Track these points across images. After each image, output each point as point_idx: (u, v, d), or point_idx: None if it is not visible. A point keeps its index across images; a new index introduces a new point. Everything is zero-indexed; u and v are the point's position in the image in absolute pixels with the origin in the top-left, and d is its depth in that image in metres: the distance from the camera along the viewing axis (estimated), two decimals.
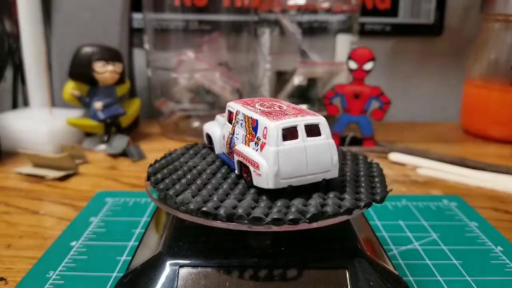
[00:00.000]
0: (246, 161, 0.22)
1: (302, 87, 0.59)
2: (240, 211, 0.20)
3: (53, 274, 0.26)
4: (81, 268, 0.27)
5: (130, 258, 0.27)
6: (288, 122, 0.21)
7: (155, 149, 0.53)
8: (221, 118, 0.27)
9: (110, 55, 0.50)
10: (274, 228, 0.19)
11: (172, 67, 0.57)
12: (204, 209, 0.20)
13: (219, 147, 0.27)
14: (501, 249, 0.30)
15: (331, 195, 0.22)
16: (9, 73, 0.59)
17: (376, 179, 0.24)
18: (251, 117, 0.22)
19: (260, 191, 0.22)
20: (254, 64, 0.60)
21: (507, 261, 0.29)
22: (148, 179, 0.24)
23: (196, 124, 0.59)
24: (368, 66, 0.50)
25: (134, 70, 0.64)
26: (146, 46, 0.58)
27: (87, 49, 0.50)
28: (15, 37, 0.58)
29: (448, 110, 0.74)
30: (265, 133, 0.21)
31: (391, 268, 0.24)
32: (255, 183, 0.22)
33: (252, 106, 0.23)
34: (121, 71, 0.51)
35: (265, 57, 0.59)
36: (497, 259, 0.29)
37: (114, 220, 0.34)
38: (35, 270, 0.27)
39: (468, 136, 0.62)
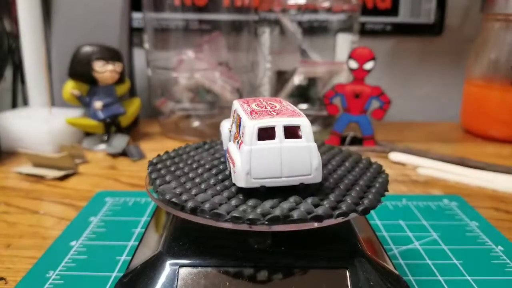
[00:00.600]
0: (229, 158, 0.22)
1: (302, 87, 0.59)
2: (206, 205, 0.20)
3: (52, 274, 0.26)
4: (81, 268, 0.27)
5: (130, 258, 0.27)
6: (266, 122, 0.21)
7: (155, 148, 0.53)
8: None
9: (110, 54, 0.50)
10: (234, 226, 0.20)
11: (172, 66, 0.57)
12: (173, 199, 0.21)
13: (225, 143, 0.27)
14: (502, 248, 0.30)
15: (309, 200, 0.21)
16: (8, 73, 0.59)
17: (375, 186, 0.23)
18: (239, 115, 0.23)
19: (239, 190, 0.22)
20: (254, 64, 0.60)
21: (508, 261, 0.28)
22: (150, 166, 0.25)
23: (196, 123, 0.59)
24: (368, 65, 0.50)
25: (134, 70, 0.63)
26: (146, 45, 0.58)
27: (87, 49, 0.50)
28: (15, 36, 0.58)
29: (448, 110, 0.74)
30: (243, 131, 0.21)
31: (391, 267, 0.24)
32: (233, 181, 0.22)
33: (247, 105, 0.24)
34: (121, 70, 0.51)
35: (265, 56, 0.59)
36: (497, 259, 0.29)
37: (114, 220, 0.34)
38: (34, 270, 0.27)
39: (469, 136, 0.62)
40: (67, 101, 0.52)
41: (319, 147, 0.30)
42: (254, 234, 0.22)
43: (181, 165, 0.26)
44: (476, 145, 0.57)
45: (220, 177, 0.24)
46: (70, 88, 0.51)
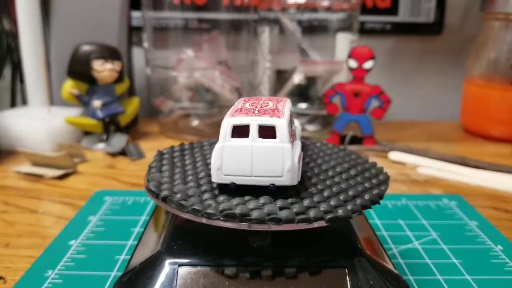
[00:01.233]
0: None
1: (302, 86, 0.59)
2: (177, 196, 0.21)
3: (51, 273, 0.26)
4: (80, 267, 0.27)
5: (129, 257, 0.27)
6: (241, 119, 0.21)
7: (154, 148, 0.52)
8: None
9: (109, 53, 0.50)
10: (208, 221, 0.20)
11: (172, 65, 0.56)
12: (152, 187, 0.22)
13: None
14: (501, 248, 0.30)
15: (279, 202, 0.20)
16: (7, 72, 0.59)
17: (366, 192, 0.22)
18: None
19: (218, 186, 0.22)
20: (253, 63, 0.60)
21: (507, 260, 0.28)
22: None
23: (195, 123, 0.59)
24: (368, 64, 0.50)
25: (133, 69, 0.63)
26: (145, 44, 0.58)
27: (86, 48, 0.50)
28: (14, 35, 0.58)
29: (448, 109, 0.74)
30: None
31: (391, 267, 0.23)
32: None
33: (243, 103, 0.24)
34: (120, 69, 0.51)
35: (265, 55, 0.59)
36: (497, 258, 0.29)
37: (113, 219, 0.34)
38: (33, 269, 0.27)
39: (468, 135, 0.62)
40: (66, 100, 0.52)
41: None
42: (253, 233, 0.22)
43: (186, 157, 0.27)
44: (476, 145, 0.57)
45: (210, 172, 0.24)
46: (69, 87, 0.51)
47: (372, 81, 0.52)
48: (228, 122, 0.21)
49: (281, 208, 0.20)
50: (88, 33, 0.55)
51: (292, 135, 0.23)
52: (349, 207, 0.21)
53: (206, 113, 0.59)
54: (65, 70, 0.51)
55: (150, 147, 0.53)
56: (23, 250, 0.29)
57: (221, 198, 0.21)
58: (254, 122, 0.21)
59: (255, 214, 0.20)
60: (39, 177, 0.42)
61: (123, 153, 0.50)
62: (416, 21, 0.69)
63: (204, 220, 0.20)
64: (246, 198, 0.21)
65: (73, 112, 0.53)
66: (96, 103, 0.51)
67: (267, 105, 0.23)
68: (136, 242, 0.28)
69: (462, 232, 0.32)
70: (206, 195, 0.21)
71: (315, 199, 0.21)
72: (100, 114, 0.51)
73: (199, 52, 0.57)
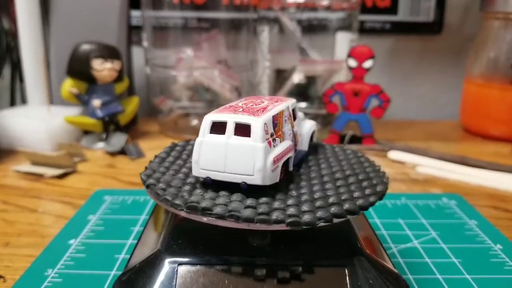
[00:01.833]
0: None
1: (301, 85, 0.59)
2: (159, 185, 0.22)
3: (51, 272, 0.26)
4: (80, 266, 0.27)
5: (128, 256, 0.27)
6: (220, 116, 0.22)
7: (154, 147, 0.53)
8: None
9: (109, 52, 0.50)
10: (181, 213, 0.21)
11: (171, 65, 0.56)
12: (143, 176, 0.24)
13: None
14: (501, 247, 0.30)
15: (248, 201, 0.20)
16: (7, 71, 0.59)
17: (347, 201, 0.21)
18: None
19: (201, 180, 0.23)
20: (253, 62, 0.60)
21: (507, 259, 0.28)
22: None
23: (194, 122, 0.59)
24: (367, 64, 0.50)
25: (132, 68, 0.63)
26: (145, 43, 0.58)
27: (86, 47, 0.50)
28: (13, 34, 0.58)
29: (447, 109, 0.74)
30: None
31: (390, 266, 0.23)
32: None
33: (242, 101, 0.24)
34: (119, 68, 0.51)
35: (265, 55, 0.59)
36: (496, 257, 0.29)
37: (112, 218, 0.34)
38: (33, 268, 0.27)
39: (468, 135, 0.62)
40: (65, 99, 0.52)
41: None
42: (253, 233, 0.22)
43: (182, 155, 0.27)
44: (476, 144, 0.57)
45: None
46: (69, 86, 0.51)
47: (372, 80, 0.52)
48: (207, 118, 0.22)
49: (247, 207, 0.20)
50: (88, 32, 0.55)
51: (278, 135, 0.23)
52: (318, 214, 0.20)
53: (205, 113, 0.59)
54: (65, 69, 0.51)
55: (150, 147, 0.53)
56: (23, 249, 0.29)
57: (197, 191, 0.22)
58: (231, 120, 0.21)
59: (217, 210, 0.20)
60: (38, 177, 0.42)
61: (122, 152, 0.50)
62: (415, 20, 0.69)
63: (172, 209, 0.21)
64: (221, 193, 0.21)
65: (73, 111, 0.53)
66: (96, 102, 0.51)
67: (260, 104, 0.23)
68: (135, 241, 0.28)
69: (462, 231, 0.32)
70: (186, 187, 0.22)
71: (289, 201, 0.21)
72: (99, 113, 0.51)
73: (198, 51, 0.56)
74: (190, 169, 0.24)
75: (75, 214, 0.34)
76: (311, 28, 0.57)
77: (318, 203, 0.21)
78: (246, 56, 0.59)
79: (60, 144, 0.48)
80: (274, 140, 0.22)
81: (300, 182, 0.24)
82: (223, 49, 0.57)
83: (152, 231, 0.26)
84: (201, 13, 0.57)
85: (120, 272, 0.23)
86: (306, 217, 0.20)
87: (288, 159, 0.23)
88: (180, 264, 0.22)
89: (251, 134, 0.21)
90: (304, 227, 0.19)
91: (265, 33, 0.59)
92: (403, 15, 0.69)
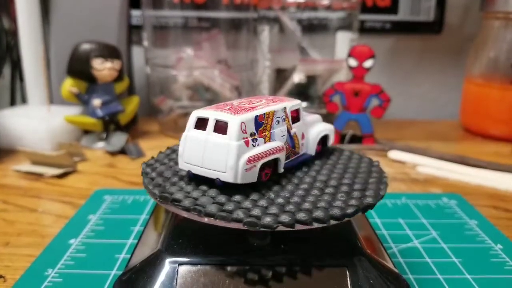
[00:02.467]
0: None
1: (301, 85, 0.59)
2: (151, 174, 0.24)
3: (51, 272, 0.26)
4: (80, 266, 0.27)
5: (129, 256, 0.27)
6: (203, 113, 0.22)
7: (154, 146, 0.53)
8: None
9: (109, 52, 0.50)
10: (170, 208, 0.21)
11: (171, 64, 0.56)
12: (143, 166, 0.25)
13: None
14: (501, 247, 0.30)
15: (219, 197, 0.21)
16: (7, 70, 0.59)
17: (319, 209, 0.20)
18: None
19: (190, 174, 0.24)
20: (253, 62, 0.60)
21: (507, 259, 0.28)
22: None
23: None
24: (368, 63, 0.50)
25: (132, 68, 0.63)
26: (145, 43, 0.58)
27: (86, 46, 0.50)
28: (13, 33, 0.58)
29: (447, 108, 0.74)
30: None
31: (391, 266, 0.23)
32: None
33: (238, 100, 0.24)
34: (119, 68, 0.51)
35: (265, 54, 0.59)
36: (496, 257, 0.29)
37: (112, 218, 0.34)
38: (33, 268, 0.27)
39: (468, 134, 0.62)
40: (65, 99, 0.52)
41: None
42: (253, 233, 0.22)
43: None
44: (476, 144, 0.57)
45: None
46: (69, 85, 0.50)
47: (372, 80, 0.52)
48: (193, 114, 0.23)
49: (214, 202, 0.20)
50: (88, 31, 0.55)
51: (263, 135, 0.22)
52: (281, 218, 0.19)
53: None
54: (65, 68, 0.51)
55: (150, 146, 0.53)
56: (23, 249, 0.29)
57: (180, 183, 0.23)
58: (212, 116, 0.22)
59: (185, 202, 0.20)
60: (38, 176, 0.42)
61: (122, 152, 0.50)
62: (416, 20, 0.69)
63: (153, 198, 0.22)
64: (201, 187, 0.22)
65: (73, 111, 0.53)
66: (96, 101, 0.51)
67: (253, 104, 0.23)
68: (136, 241, 0.28)
69: (462, 231, 0.32)
70: (173, 179, 0.23)
71: (261, 202, 0.21)
72: (99, 113, 0.51)
73: (198, 51, 0.56)
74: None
75: (75, 214, 0.34)
76: (312, 27, 0.57)
77: (288, 207, 0.20)
78: (246, 56, 0.59)
79: (60, 143, 0.48)
80: (255, 139, 0.22)
81: (286, 185, 0.23)
82: (223, 48, 0.57)
83: (152, 231, 0.26)
84: (201, 12, 0.57)
85: (121, 272, 0.23)
86: (267, 220, 0.19)
87: (276, 160, 0.23)
88: (181, 264, 0.22)
89: (227, 132, 0.21)
90: (262, 229, 0.19)
91: (265, 33, 0.58)
92: (403, 14, 0.69)
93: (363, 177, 0.24)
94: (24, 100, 0.59)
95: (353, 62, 0.50)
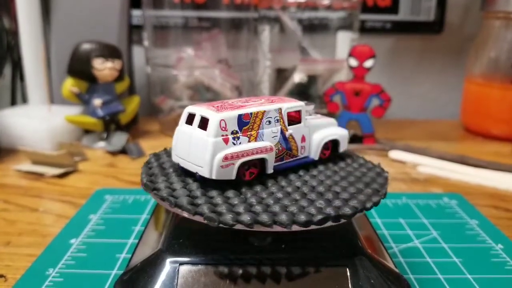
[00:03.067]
0: None
1: (302, 85, 0.59)
2: (153, 164, 0.25)
3: (52, 271, 0.26)
4: (81, 265, 0.27)
5: (129, 255, 0.27)
6: (192, 109, 0.23)
7: (154, 146, 0.53)
8: None
9: (109, 52, 0.50)
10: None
11: (172, 64, 0.56)
12: (149, 157, 0.26)
13: None
14: (502, 247, 0.30)
15: (196, 192, 0.21)
16: (7, 70, 0.59)
17: (309, 208, 0.20)
18: None
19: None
20: (254, 62, 0.60)
21: (508, 259, 0.28)
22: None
23: None
24: (368, 63, 0.50)
25: (133, 67, 0.63)
26: (146, 43, 0.58)
27: (86, 46, 0.50)
28: (14, 33, 0.58)
29: (448, 108, 0.74)
30: None
31: (391, 266, 0.23)
32: None
33: (234, 99, 0.25)
34: (120, 68, 0.51)
35: (265, 54, 0.59)
36: (497, 257, 0.29)
37: (113, 217, 0.34)
38: (34, 267, 0.27)
39: (469, 134, 0.62)
40: (66, 98, 0.52)
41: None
42: (253, 233, 0.22)
43: None
44: (476, 143, 0.57)
45: None
46: (69, 85, 0.51)
47: (373, 79, 0.52)
48: (186, 110, 0.23)
49: (188, 195, 0.21)
50: (89, 31, 0.55)
51: (247, 134, 0.22)
52: (242, 217, 0.19)
53: None
54: (66, 68, 0.51)
55: (150, 146, 0.53)
56: (23, 249, 0.29)
57: (171, 175, 0.24)
58: (198, 112, 0.22)
59: (162, 192, 0.21)
60: (39, 176, 0.42)
61: (123, 151, 0.50)
62: (416, 19, 0.69)
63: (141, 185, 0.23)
64: (187, 180, 0.23)
65: (74, 111, 0.53)
66: (97, 101, 0.51)
67: (246, 103, 0.24)
68: (136, 241, 0.28)
69: (463, 231, 0.32)
70: (168, 171, 0.24)
71: (232, 200, 0.21)
72: (100, 112, 0.51)
73: (199, 51, 0.56)
74: None
75: (76, 214, 0.34)
76: (312, 27, 0.57)
77: (256, 208, 0.20)
78: (246, 56, 0.59)
79: (61, 143, 0.48)
80: (237, 138, 0.22)
81: (271, 187, 0.22)
82: (223, 48, 0.57)
83: (153, 230, 0.26)
84: (202, 12, 0.57)
85: (121, 272, 0.23)
86: (227, 217, 0.19)
87: (263, 161, 0.23)
88: (182, 263, 0.22)
89: (208, 128, 0.22)
90: (220, 225, 0.19)
91: (266, 33, 0.58)
92: (403, 14, 0.69)
93: (358, 187, 0.23)
94: (24, 100, 0.59)
95: (353, 62, 0.50)
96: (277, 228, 0.19)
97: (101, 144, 0.52)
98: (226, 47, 0.57)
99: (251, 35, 0.59)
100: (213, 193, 0.21)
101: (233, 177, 0.22)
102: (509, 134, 0.58)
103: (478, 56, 0.60)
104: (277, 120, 0.24)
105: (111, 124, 0.52)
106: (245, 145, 0.22)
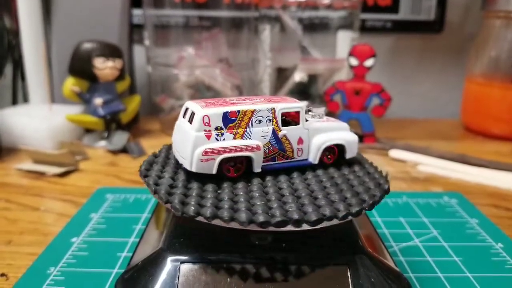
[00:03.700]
0: None
1: (302, 84, 0.59)
2: (148, 159, 0.26)
3: (53, 270, 0.26)
4: (82, 264, 0.27)
5: (131, 254, 0.27)
6: (189, 104, 0.24)
7: (155, 145, 0.53)
8: None
9: (110, 51, 0.50)
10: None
11: (172, 63, 0.56)
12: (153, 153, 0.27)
13: None
14: (502, 246, 0.30)
15: (179, 183, 0.22)
16: (8, 69, 0.59)
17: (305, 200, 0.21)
18: None
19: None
20: (254, 61, 0.60)
21: (508, 258, 0.29)
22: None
23: None
24: (369, 62, 0.50)
25: (134, 67, 0.63)
26: (146, 42, 0.58)
27: (87, 45, 0.50)
28: (15, 33, 0.58)
29: (448, 107, 0.74)
30: None
31: (392, 264, 0.24)
32: None
33: (232, 98, 0.25)
34: (121, 67, 0.51)
35: (266, 53, 0.59)
36: (497, 256, 0.29)
37: (114, 216, 0.34)
38: (35, 266, 0.27)
39: (469, 133, 0.62)
40: (67, 97, 0.52)
41: None
42: (254, 231, 0.22)
43: None
44: (477, 143, 0.57)
45: None
46: (70, 84, 0.51)
47: (373, 79, 0.52)
48: (184, 105, 0.24)
49: (170, 186, 0.22)
50: (89, 30, 0.55)
51: (232, 132, 0.22)
52: (203, 210, 0.20)
53: None
54: (67, 67, 0.51)
55: (151, 145, 0.53)
56: (25, 247, 0.29)
57: (169, 166, 0.24)
58: (190, 107, 0.23)
59: (150, 180, 0.22)
60: (40, 175, 0.43)
61: (124, 150, 0.50)
62: (416, 19, 0.69)
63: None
64: (179, 172, 0.24)
65: (74, 110, 0.53)
66: (97, 100, 0.51)
67: (240, 101, 0.24)
68: (138, 240, 0.28)
69: (463, 230, 0.32)
70: (170, 162, 0.25)
71: (206, 194, 0.21)
72: (101, 111, 0.51)
73: (200, 50, 0.56)
74: None
75: (77, 212, 0.34)
76: (312, 26, 0.57)
77: (223, 204, 0.20)
78: (247, 55, 0.59)
79: (62, 142, 0.49)
80: (220, 134, 0.22)
81: (252, 186, 0.22)
82: (224, 47, 0.57)
83: (154, 229, 0.27)
84: (203, 11, 0.57)
85: (123, 270, 0.23)
86: (190, 209, 0.20)
87: (250, 159, 0.23)
88: (182, 262, 0.22)
89: (193, 122, 0.22)
90: (184, 215, 0.20)
91: (266, 32, 0.59)
92: (404, 13, 0.69)
93: (343, 196, 0.22)
94: (25, 99, 0.59)
95: (354, 61, 0.50)
96: (233, 225, 0.20)
97: (102, 143, 0.52)
98: (226, 46, 0.57)
99: (251, 35, 0.59)
100: (194, 185, 0.22)
101: (214, 171, 0.22)
102: (509, 134, 0.58)
103: (478, 56, 0.60)
104: (269, 119, 0.23)
105: (112, 123, 0.52)
106: (228, 141, 0.22)
